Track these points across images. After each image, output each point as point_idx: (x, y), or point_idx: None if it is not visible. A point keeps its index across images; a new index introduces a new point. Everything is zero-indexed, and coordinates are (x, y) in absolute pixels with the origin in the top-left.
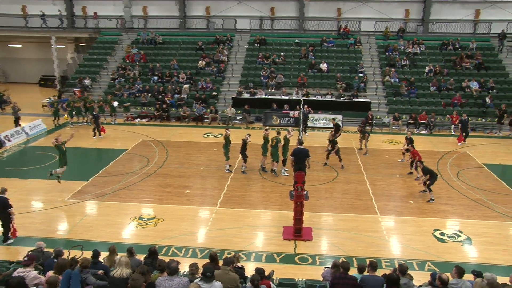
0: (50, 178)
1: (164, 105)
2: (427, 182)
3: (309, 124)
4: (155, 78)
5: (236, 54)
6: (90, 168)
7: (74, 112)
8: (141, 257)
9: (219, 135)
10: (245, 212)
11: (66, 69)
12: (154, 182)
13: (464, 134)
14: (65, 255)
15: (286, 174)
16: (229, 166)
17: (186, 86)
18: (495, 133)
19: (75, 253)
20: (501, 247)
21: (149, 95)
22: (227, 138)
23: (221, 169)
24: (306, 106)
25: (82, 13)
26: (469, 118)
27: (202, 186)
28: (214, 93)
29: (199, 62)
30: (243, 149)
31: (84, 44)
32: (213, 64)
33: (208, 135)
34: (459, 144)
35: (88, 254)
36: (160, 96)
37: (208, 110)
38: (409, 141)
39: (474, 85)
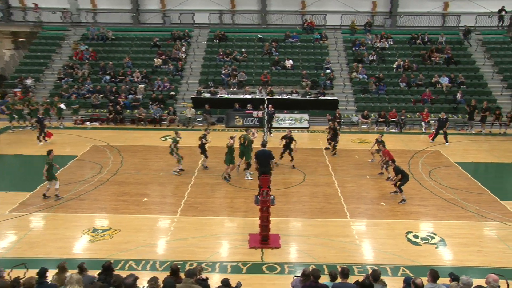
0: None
1: (118, 107)
2: (398, 183)
3: (274, 124)
4: (106, 77)
5: (195, 51)
6: (35, 178)
7: (15, 116)
8: (95, 273)
9: (178, 138)
10: (208, 220)
11: (4, 67)
12: (108, 191)
13: (442, 133)
14: (5, 276)
15: (251, 178)
16: (238, 165)
17: (141, 86)
18: (467, 130)
19: (18, 272)
20: (475, 248)
21: (100, 96)
22: (230, 148)
23: (180, 174)
24: (270, 105)
25: (20, 4)
26: (449, 116)
27: (161, 194)
28: (172, 93)
29: (155, 59)
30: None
31: (24, 39)
32: (170, 62)
33: (166, 138)
34: (430, 141)
35: (33, 273)
36: (113, 97)
37: (165, 111)
38: (380, 142)
39: (444, 80)
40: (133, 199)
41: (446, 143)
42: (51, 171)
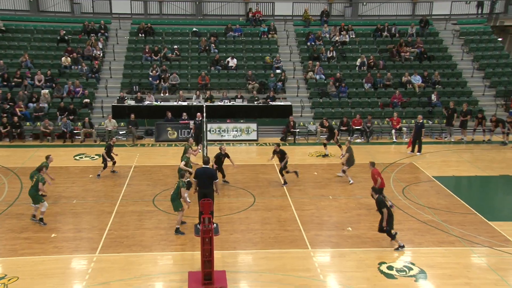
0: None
1: (14, 118)
2: (384, 225)
3: (216, 137)
4: None
5: (114, 47)
6: None
7: None
8: None
9: (96, 157)
10: (137, 257)
11: None
12: (3, 227)
13: (418, 142)
14: None
15: (189, 201)
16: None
17: (46, 91)
18: (445, 137)
19: None
20: (462, 279)
21: None
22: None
23: (99, 201)
24: (198, 114)
25: None
26: (424, 121)
27: (75, 227)
28: (87, 100)
29: (63, 58)
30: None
31: None
32: (83, 61)
33: (81, 157)
34: (409, 152)
35: None
36: (8, 106)
37: (79, 123)
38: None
39: (417, 79)
40: (37, 236)
41: (418, 153)
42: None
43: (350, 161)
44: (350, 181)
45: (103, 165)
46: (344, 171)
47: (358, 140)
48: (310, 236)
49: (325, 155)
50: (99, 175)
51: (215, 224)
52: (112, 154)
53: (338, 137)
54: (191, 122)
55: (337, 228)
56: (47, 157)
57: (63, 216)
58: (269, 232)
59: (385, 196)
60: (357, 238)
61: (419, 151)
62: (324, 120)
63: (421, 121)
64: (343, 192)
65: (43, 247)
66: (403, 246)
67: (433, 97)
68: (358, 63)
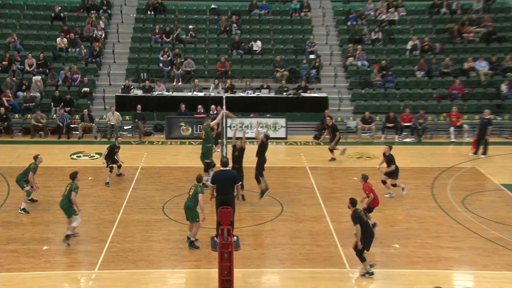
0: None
1: (1, 110)
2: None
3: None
4: None
5: (119, 27)
6: None
7: None
8: None
9: (96, 156)
10: (143, 274)
11: None
12: None
13: (483, 142)
14: None
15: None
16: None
17: (38, 78)
18: None
19: None
20: None
21: None
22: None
23: (99, 209)
24: (212, 106)
25: None
26: (492, 117)
27: (71, 238)
28: (86, 89)
29: (58, 39)
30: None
31: None
32: (82, 43)
33: (78, 156)
34: (471, 154)
35: None
36: None
37: (77, 116)
38: (388, 159)
39: (482, 66)
40: (26, 249)
41: (483, 156)
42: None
43: (394, 173)
44: (391, 193)
45: (108, 168)
46: (384, 182)
47: (408, 140)
48: (348, 254)
49: (332, 159)
50: (107, 182)
51: (235, 237)
52: (116, 157)
53: (335, 144)
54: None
55: (381, 245)
56: (36, 158)
57: (56, 226)
58: (299, 248)
59: (369, 213)
60: (405, 257)
61: (484, 153)
62: (328, 118)
63: (487, 117)
64: (389, 202)
65: (33, 262)
66: (372, 274)
67: (503, 87)
68: (409, 47)
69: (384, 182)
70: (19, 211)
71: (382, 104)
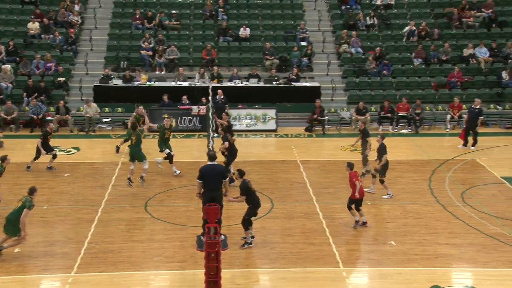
0: None
1: None
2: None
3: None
4: None
5: (96, 11)
6: None
7: None
8: None
9: (72, 150)
10: (124, 277)
11: None
12: None
13: (473, 133)
14: None
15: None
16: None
17: (7, 67)
18: None
19: None
20: None
21: None
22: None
23: (76, 207)
24: (219, 91)
25: None
26: (492, 107)
27: (46, 239)
28: (61, 79)
29: (30, 24)
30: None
31: None
32: (56, 28)
33: (60, 150)
34: (461, 146)
35: None
36: None
37: (51, 108)
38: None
39: (483, 52)
40: None
41: (473, 147)
42: None
43: (383, 169)
44: (390, 194)
45: (51, 155)
46: (382, 181)
47: (405, 131)
48: (342, 252)
49: (367, 172)
50: (28, 166)
51: (222, 236)
52: (50, 144)
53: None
54: (201, 108)
55: (377, 242)
56: (3, 159)
57: (30, 226)
58: (291, 246)
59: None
60: (402, 255)
61: (474, 144)
62: (360, 123)
63: (478, 106)
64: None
65: (3, 266)
66: (251, 244)
67: (504, 75)
68: (405, 33)
69: (382, 181)
70: None
71: (378, 94)
